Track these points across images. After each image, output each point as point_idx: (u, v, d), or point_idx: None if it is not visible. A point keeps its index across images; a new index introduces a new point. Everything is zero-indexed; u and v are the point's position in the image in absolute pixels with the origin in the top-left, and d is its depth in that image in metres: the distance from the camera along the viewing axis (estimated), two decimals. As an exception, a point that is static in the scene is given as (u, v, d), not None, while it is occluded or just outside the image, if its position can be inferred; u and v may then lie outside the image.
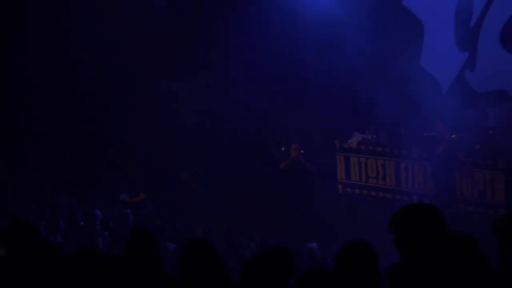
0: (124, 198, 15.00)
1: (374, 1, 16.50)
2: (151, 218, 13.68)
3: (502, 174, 13.98)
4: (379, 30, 16.37)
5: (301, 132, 16.71)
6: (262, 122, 16.74)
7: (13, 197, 14.90)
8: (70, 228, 13.21)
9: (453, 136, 14.94)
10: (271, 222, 13.43)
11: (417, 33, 16.40)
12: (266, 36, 16.93)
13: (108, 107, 18.10)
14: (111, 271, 5.07)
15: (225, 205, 14.99)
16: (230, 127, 16.99)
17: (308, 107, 17.07)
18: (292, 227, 13.28)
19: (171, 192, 15.97)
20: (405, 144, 15.45)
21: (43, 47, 17.99)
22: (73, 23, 18.08)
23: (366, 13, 16.27)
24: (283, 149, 17.14)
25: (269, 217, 13.80)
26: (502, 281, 4.06)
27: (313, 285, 4.15)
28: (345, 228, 12.15)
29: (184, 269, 5.28)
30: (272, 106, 16.89)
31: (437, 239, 4.59)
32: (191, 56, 17.75)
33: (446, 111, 14.89)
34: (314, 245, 10.64)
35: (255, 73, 16.94)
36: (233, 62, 16.97)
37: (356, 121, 16.70)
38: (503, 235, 4.76)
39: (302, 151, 16.13)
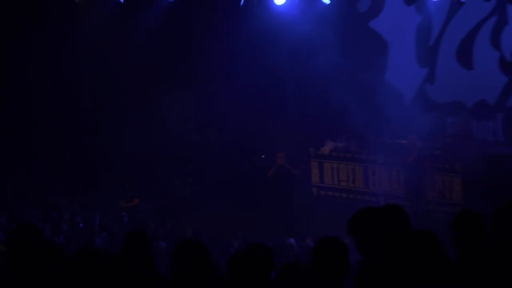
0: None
1: (344, 21, 16.39)
2: (145, 220, 13.58)
3: (459, 177, 13.98)
4: (348, 47, 16.26)
5: (279, 140, 16.57)
6: (244, 131, 16.62)
7: (19, 201, 14.41)
8: (71, 230, 12.80)
9: (418, 144, 14.98)
10: (252, 222, 13.35)
11: (382, 51, 16.51)
12: (246, 53, 16.77)
13: (106, 120, 17.74)
14: (110, 268, 5.03)
15: (212, 208, 14.55)
16: (215, 136, 16.59)
17: (285, 117, 17.09)
18: (271, 226, 13.16)
19: (164, 196, 15.75)
20: (373, 151, 15.40)
21: (49, 54, 17.48)
22: (78, 40, 17.79)
23: (337, 31, 16.09)
24: (263, 156, 17.00)
25: (250, 217, 13.71)
26: (459, 271, 4.15)
27: (291, 277, 4.73)
28: (319, 226, 12.07)
29: (177, 266, 5.04)
30: (252, 116, 16.91)
31: (396, 237, 4.66)
32: (181, 71, 17.35)
33: (409, 120, 14.80)
34: (292, 241, 10.61)
35: (237, 88, 16.75)
36: (217, 77, 16.82)
37: (328, 130, 16.56)
38: (458, 231, 4.85)
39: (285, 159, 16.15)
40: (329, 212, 14.33)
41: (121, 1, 15.69)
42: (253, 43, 16.77)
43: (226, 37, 16.82)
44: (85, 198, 15.41)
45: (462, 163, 14.07)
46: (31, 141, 17.00)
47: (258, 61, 16.81)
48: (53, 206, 14.25)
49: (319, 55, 15.77)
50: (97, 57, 17.84)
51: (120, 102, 17.96)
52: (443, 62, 15.94)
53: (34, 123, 17.56)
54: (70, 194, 15.76)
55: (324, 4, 15.18)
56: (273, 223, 13.48)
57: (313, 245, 5.07)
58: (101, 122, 17.83)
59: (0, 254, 6.45)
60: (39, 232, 6.00)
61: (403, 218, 5.06)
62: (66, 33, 17.85)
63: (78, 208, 15.22)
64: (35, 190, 15.38)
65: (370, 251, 4.81)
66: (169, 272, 5.19)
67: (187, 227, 12.84)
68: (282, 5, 15.15)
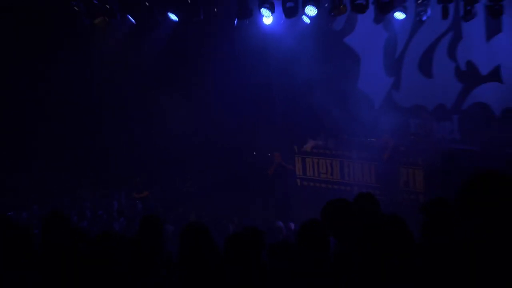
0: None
1: (322, 38, 16.56)
2: (155, 207, 13.87)
3: (421, 169, 14.34)
4: (326, 60, 16.43)
5: (267, 140, 16.65)
6: (237, 132, 16.86)
7: (49, 193, 14.47)
8: (93, 216, 13.22)
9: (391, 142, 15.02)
10: (246, 209, 13.61)
11: (355, 63, 16.82)
12: (240, 65, 16.92)
13: (122, 123, 17.78)
14: (126, 248, 5.29)
15: (211, 197, 14.87)
16: (212, 136, 16.84)
17: (273, 120, 17.23)
18: (262, 212, 13.49)
19: (170, 188, 16.06)
20: (347, 148, 15.63)
21: (69, 65, 17.34)
22: (94, 53, 17.74)
23: (317, 46, 16.39)
24: (254, 153, 17.21)
25: (244, 205, 13.89)
26: (425, 253, 4.13)
27: (280, 254, 4.93)
28: (302, 211, 12.20)
29: (183, 245, 5.21)
30: (245, 120, 17.17)
31: (367, 220, 4.64)
32: (183, 82, 17.74)
33: (378, 122, 15.36)
34: (280, 224, 10.82)
35: (232, 96, 16.78)
36: (215, 86, 16.99)
37: (310, 131, 16.68)
38: (427, 216, 4.89)
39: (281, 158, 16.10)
40: (311, 199, 14.42)
41: (133, 22, 15.79)
42: (246, 57, 16.89)
43: (222, 52, 16.84)
44: (105, 190, 15.53)
45: (423, 158, 14.32)
46: (60, 144, 16.75)
47: (250, 72, 16.84)
48: (78, 197, 14.50)
49: (301, 67, 16.06)
50: (110, 68, 17.53)
51: (131, 108, 17.83)
52: (407, 71, 16.19)
53: (59, 127, 17.09)
54: (92, 186, 15.75)
55: (305, 23, 15.12)
56: (264, 209, 13.63)
57: (297, 227, 5.37)
58: (117, 125, 17.61)
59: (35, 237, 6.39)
60: (67, 218, 6.25)
61: (374, 203, 5.44)
62: (84, 47, 17.38)
63: (98, 198, 14.99)
64: (64, 183, 15.35)
65: (342, 235, 5.00)
66: (176, 250, 5.33)
67: (191, 213, 13.06)
68: (270, 24, 15.09)
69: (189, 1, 14.98)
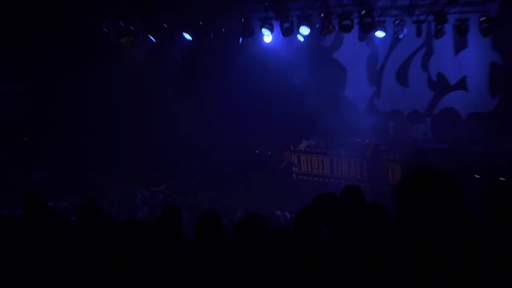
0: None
1: (314, 53, 16.56)
2: (173, 198, 13.98)
3: (399, 164, 14.32)
4: (317, 72, 16.44)
5: (268, 140, 16.94)
6: (242, 134, 16.74)
7: (84, 186, 14.45)
8: (121, 205, 13.56)
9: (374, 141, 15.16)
10: (250, 199, 13.70)
11: (342, 74, 16.82)
12: (244, 76, 16.87)
13: (143, 126, 17.59)
14: (146, 232, 5.51)
15: (221, 190, 14.83)
16: (220, 138, 16.84)
17: (272, 124, 17.15)
18: (264, 202, 13.34)
19: (185, 181, 16.11)
20: (336, 147, 15.67)
21: (99, 76, 17.67)
22: (121, 67, 17.54)
23: (309, 60, 16.45)
24: (257, 151, 17.22)
25: (249, 196, 14.06)
26: (399, 234, 3.50)
27: (279, 237, 4.88)
28: (298, 201, 11.93)
29: (198, 230, 5.25)
30: (247, 123, 16.78)
31: (352, 209, 5.03)
32: (195, 90, 17.40)
33: (362, 124, 15.34)
34: (279, 213, 11.16)
35: (236, 102, 16.70)
36: (223, 94, 16.65)
37: (304, 132, 16.58)
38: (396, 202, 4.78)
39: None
40: (305, 191, 13.91)
41: (154, 41, 16.16)
42: (249, 69, 16.78)
43: (229, 66, 16.69)
44: (130, 184, 15.50)
45: (400, 154, 14.36)
46: (94, 147, 16.85)
47: (252, 83, 16.84)
48: (108, 190, 14.71)
49: (296, 77, 16.20)
50: (135, 79, 17.47)
51: (152, 113, 17.67)
52: (386, 82, 16.25)
53: (95, 132, 17.25)
54: (120, 182, 15.69)
55: (300, 41, 15.25)
56: (265, 200, 13.51)
57: (293, 216, 5.29)
58: (140, 130, 17.46)
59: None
60: (98, 207, 6.51)
61: (359, 194, 5.43)
62: (113, 61, 17.42)
63: (125, 191, 15.19)
64: (97, 179, 15.34)
65: (331, 223, 4.95)
66: (191, 233, 5.42)
67: (204, 203, 13.24)
68: (270, 42, 15.37)
69: (201, 24, 15.35)
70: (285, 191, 14.69)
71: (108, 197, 14.02)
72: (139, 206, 14.12)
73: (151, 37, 16.14)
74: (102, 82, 17.61)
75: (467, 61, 14.77)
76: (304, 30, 14.30)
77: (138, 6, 15.46)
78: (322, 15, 14.22)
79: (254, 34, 15.07)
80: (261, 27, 14.51)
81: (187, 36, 15.87)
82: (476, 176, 12.36)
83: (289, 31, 14.42)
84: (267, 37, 14.97)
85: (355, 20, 13.98)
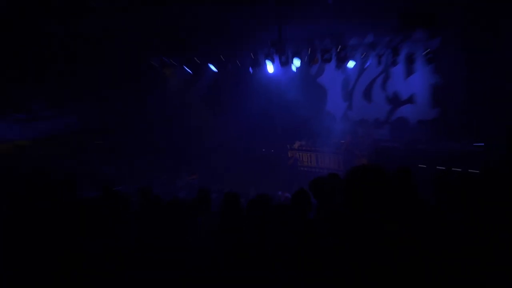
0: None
1: (304, 79, 16.48)
2: (204, 183, 13.38)
3: (365, 159, 14.19)
4: (307, 92, 16.44)
5: (271, 142, 16.71)
6: (252, 138, 16.60)
7: (140, 175, 14.18)
8: (165, 190, 13.45)
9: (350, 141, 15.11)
10: (259, 184, 13.69)
11: (324, 94, 16.67)
12: (254, 96, 16.67)
13: (178, 133, 17.35)
14: (186, 208, 5.13)
15: (238, 177, 14.55)
16: (236, 141, 16.62)
17: (274, 130, 16.90)
18: (269, 185, 13.36)
19: (212, 171, 15.76)
20: (320, 145, 15.62)
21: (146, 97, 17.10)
22: (164, 90, 17.50)
23: (300, 84, 16.40)
24: (263, 150, 16.85)
25: (258, 181, 14.02)
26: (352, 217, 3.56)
27: (279, 212, 4.57)
28: (294, 184, 12.00)
29: (225, 206, 5.21)
30: (256, 130, 16.63)
31: (334, 188, 4.90)
32: (218, 106, 17.25)
33: (339, 129, 15.47)
34: (280, 193, 11.27)
35: (247, 115, 16.48)
36: (237, 109, 16.60)
37: (297, 135, 16.45)
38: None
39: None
40: (299, 178, 14.47)
41: (189, 71, 16.28)
42: (257, 91, 16.69)
43: (243, 87, 16.72)
44: (173, 173, 15.49)
45: (367, 151, 14.29)
46: (147, 146, 16.35)
47: (259, 100, 16.65)
48: (156, 178, 14.45)
49: (291, 96, 16.35)
50: (176, 96, 17.53)
51: (188, 121, 17.51)
52: (356, 98, 16.08)
53: (149, 134, 16.81)
54: (165, 171, 15.62)
55: (293, 70, 15.38)
56: (270, 184, 13.68)
57: (290, 195, 5.29)
58: (178, 132, 17.21)
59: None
60: (150, 190, 6.75)
61: (339, 179, 5.44)
62: (159, 86, 17.33)
63: (168, 178, 15.17)
64: (148, 169, 15.06)
65: (320, 197, 4.92)
66: (217, 209, 5.46)
67: (227, 187, 12.94)
68: (272, 71, 15.30)
69: (222, 58, 15.58)
70: (284, 178, 14.73)
71: (154, 184, 13.27)
72: (178, 190, 14.26)
73: (186, 68, 16.37)
74: (151, 99, 17.21)
75: (414, 83, 14.59)
76: (297, 62, 14.47)
77: (177, 46, 15.36)
78: (309, 51, 14.56)
79: (260, 65, 15.24)
80: (265, 60, 14.73)
81: (212, 68, 16.06)
82: (421, 166, 11.97)
83: (285, 63, 14.58)
84: (270, 67, 15.08)
85: (333, 54, 14.05)
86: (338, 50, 13.99)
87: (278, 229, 4.29)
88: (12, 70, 14.15)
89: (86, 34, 14.00)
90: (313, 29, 13.94)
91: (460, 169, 10.33)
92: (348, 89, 16.21)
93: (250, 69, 15.80)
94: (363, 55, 14.31)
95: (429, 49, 13.35)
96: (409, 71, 14.51)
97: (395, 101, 15.23)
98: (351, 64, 14.36)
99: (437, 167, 11.07)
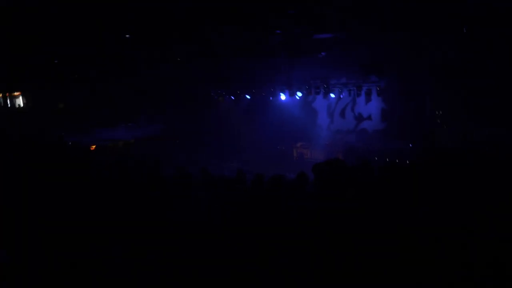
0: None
1: (304, 104, 16.50)
2: (239, 167, 11.02)
3: (341, 152, 13.72)
4: (306, 113, 16.51)
5: (281, 142, 16.31)
6: (271, 139, 16.22)
7: (200, 159, 13.71)
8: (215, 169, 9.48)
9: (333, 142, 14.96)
10: (273, 168, 10.97)
11: (316, 113, 16.71)
12: (273, 114, 16.42)
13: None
14: (230, 182, 5.08)
15: (263, 163, 13.25)
16: (260, 141, 16.18)
17: (284, 134, 16.44)
18: (281, 169, 10.35)
19: (245, 159, 14.89)
20: (314, 145, 15.56)
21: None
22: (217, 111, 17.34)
23: (302, 107, 16.46)
24: (278, 147, 16.42)
25: (274, 166, 12.63)
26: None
27: (287, 185, 4.48)
28: (297, 169, 9.57)
29: (255, 184, 4.82)
30: (272, 134, 16.14)
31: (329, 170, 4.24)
32: (253, 119, 16.76)
33: (326, 136, 15.81)
34: (287, 175, 6.59)
35: (269, 125, 16.32)
36: (261, 123, 16.46)
37: (299, 138, 16.20)
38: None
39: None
40: (301, 165, 11.09)
41: (232, 98, 16.52)
42: (274, 110, 16.50)
43: (265, 108, 16.60)
44: (218, 159, 14.96)
45: (342, 149, 14.12)
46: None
47: (276, 116, 16.51)
48: (209, 163, 13.01)
49: (295, 114, 16.34)
50: (226, 115, 17.29)
51: (233, 128, 17.28)
52: (335, 116, 16.16)
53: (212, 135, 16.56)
54: (216, 158, 14.96)
55: (297, 98, 15.38)
56: (281, 168, 11.36)
57: (295, 175, 4.92)
58: (230, 134, 16.99)
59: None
60: (207, 171, 6.06)
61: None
62: (215, 108, 17.49)
63: (217, 162, 14.27)
64: (205, 156, 14.70)
65: (318, 175, 4.34)
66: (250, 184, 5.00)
67: (254, 169, 10.13)
68: (284, 99, 15.61)
69: (253, 91, 16.25)
70: (290, 165, 13.93)
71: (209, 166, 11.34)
72: (224, 170, 12.30)
73: (232, 97, 16.81)
74: (209, 115, 17.32)
75: (371, 107, 14.71)
76: (299, 93, 14.90)
77: (225, 83, 16.09)
78: (307, 87, 14.82)
79: (276, 95, 15.58)
80: (280, 92, 15.27)
81: (247, 96, 16.50)
82: (376, 158, 11.79)
83: (292, 94, 15.00)
84: (283, 96, 15.40)
85: (321, 89, 14.42)
86: (324, 86, 14.44)
87: (286, 196, 4.04)
88: (127, 98, 15.76)
89: (170, 77, 15.23)
90: (309, 73, 14.40)
91: (398, 160, 10.01)
92: (331, 111, 16.29)
93: (270, 98, 16.14)
94: (339, 90, 14.49)
95: (379, 86, 13.64)
96: (368, 100, 14.38)
97: (359, 118, 15.30)
98: (332, 95, 14.69)
99: (386, 159, 10.90)
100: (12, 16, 6.21)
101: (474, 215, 2.27)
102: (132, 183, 4.95)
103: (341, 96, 14.87)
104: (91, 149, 13.35)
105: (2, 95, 15.12)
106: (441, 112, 12.10)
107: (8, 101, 15.43)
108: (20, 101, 15.77)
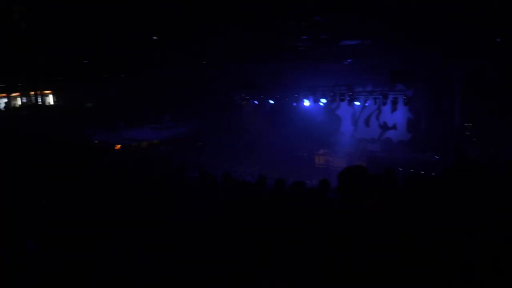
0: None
1: (328, 110, 16.38)
2: (260, 172, 11.03)
3: (365, 162, 13.48)
4: (330, 119, 16.38)
5: (304, 148, 15.98)
6: (293, 144, 16.00)
7: (223, 165, 13.22)
8: (237, 174, 12.04)
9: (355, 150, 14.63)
10: (295, 174, 11.50)
11: (340, 120, 16.55)
12: (295, 119, 16.34)
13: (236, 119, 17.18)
14: (251, 186, 5.14)
15: (284, 170, 12.27)
16: (283, 147, 16.01)
17: (307, 141, 16.11)
18: (301, 176, 10.85)
19: (267, 165, 14.03)
20: (336, 153, 15.14)
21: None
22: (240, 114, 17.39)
23: (326, 113, 16.27)
24: (299, 153, 16.06)
25: (295, 172, 12.57)
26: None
27: (309, 191, 4.53)
28: (318, 176, 9.02)
29: (276, 185, 4.82)
30: (295, 140, 15.97)
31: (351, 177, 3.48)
32: (277, 124, 16.51)
33: (349, 144, 15.48)
34: (307, 182, 8.62)
35: (291, 130, 16.17)
36: (287, 125, 16.21)
37: (322, 146, 15.87)
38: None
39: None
40: (323, 172, 13.56)
41: (256, 102, 16.69)
42: (299, 116, 16.40)
43: (291, 113, 16.44)
44: (243, 165, 14.88)
45: (366, 157, 13.88)
46: (228, 147, 16.16)
47: (299, 122, 16.39)
48: (230, 166, 13.33)
49: (319, 120, 16.34)
50: (249, 119, 17.38)
51: (255, 133, 17.11)
52: (359, 124, 15.95)
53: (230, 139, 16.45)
54: (238, 163, 15.03)
55: (321, 105, 15.43)
56: (302, 175, 11.76)
57: (318, 182, 4.93)
58: (249, 140, 16.90)
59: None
60: (229, 175, 5.92)
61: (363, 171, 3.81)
62: (238, 112, 17.48)
63: (236, 167, 14.32)
64: (227, 161, 14.57)
65: (341, 182, 3.24)
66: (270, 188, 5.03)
67: (275, 175, 10.81)
68: (308, 106, 15.61)
69: (277, 96, 16.34)
70: (311, 171, 14.12)
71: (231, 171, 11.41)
72: (245, 175, 12.89)
73: (255, 101, 17.03)
74: (233, 118, 17.43)
75: (397, 116, 14.49)
76: (323, 100, 14.88)
77: (250, 87, 16.29)
78: (331, 94, 14.83)
79: (300, 101, 15.58)
80: (304, 98, 15.35)
81: (271, 101, 16.69)
82: (400, 169, 11.90)
83: (316, 100, 15.02)
84: (307, 102, 15.46)
85: (346, 96, 14.32)
86: (349, 94, 14.38)
87: (307, 201, 4.02)
88: (153, 101, 16.34)
89: (195, 80, 15.80)
90: (334, 80, 14.49)
91: (423, 172, 9.81)
92: (355, 118, 16.18)
93: (294, 103, 16.18)
94: (364, 98, 14.45)
95: (406, 95, 13.44)
96: (393, 109, 14.27)
97: (384, 127, 15.13)
98: (357, 103, 14.67)
99: (411, 170, 10.81)
100: (45, 16, 6.30)
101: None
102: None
103: (366, 104, 14.71)
104: (116, 148, 13.47)
105: (34, 93, 15.71)
106: (470, 125, 11.89)
107: (39, 99, 16.12)
108: (50, 100, 16.54)
